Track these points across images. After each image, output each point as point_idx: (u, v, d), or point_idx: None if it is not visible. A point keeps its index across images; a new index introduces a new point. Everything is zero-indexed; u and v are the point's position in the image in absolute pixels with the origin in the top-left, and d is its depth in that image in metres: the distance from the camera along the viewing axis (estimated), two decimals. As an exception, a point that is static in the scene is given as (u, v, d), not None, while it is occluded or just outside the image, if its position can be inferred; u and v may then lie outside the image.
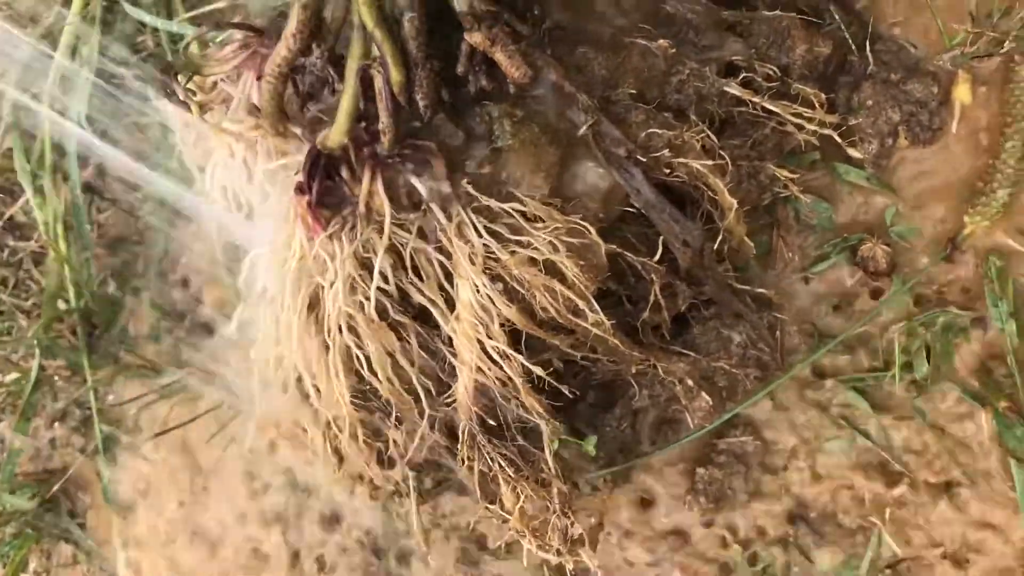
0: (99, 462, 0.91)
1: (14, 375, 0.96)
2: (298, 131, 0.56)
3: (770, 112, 0.60)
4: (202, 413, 0.83)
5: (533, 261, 0.52)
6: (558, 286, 0.53)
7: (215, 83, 0.60)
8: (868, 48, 0.65)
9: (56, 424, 0.96)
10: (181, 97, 0.58)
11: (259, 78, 0.55)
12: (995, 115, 0.63)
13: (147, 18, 0.92)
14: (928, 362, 0.62)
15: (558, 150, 0.54)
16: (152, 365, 0.90)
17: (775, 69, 0.61)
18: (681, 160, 0.56)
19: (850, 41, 0.64)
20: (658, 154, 0.55)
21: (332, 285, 0.53)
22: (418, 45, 0.51)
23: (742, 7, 0.64)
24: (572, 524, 0.57)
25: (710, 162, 0.56)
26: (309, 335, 0.55)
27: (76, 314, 0.92)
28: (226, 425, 0.82)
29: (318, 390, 0.56)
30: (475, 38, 0.50)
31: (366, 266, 0.53)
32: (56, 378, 0.95)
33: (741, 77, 0.60)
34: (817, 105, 0.61)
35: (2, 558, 0.92)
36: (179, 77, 0.58)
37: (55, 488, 0.93)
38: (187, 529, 0.87)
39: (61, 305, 0.94)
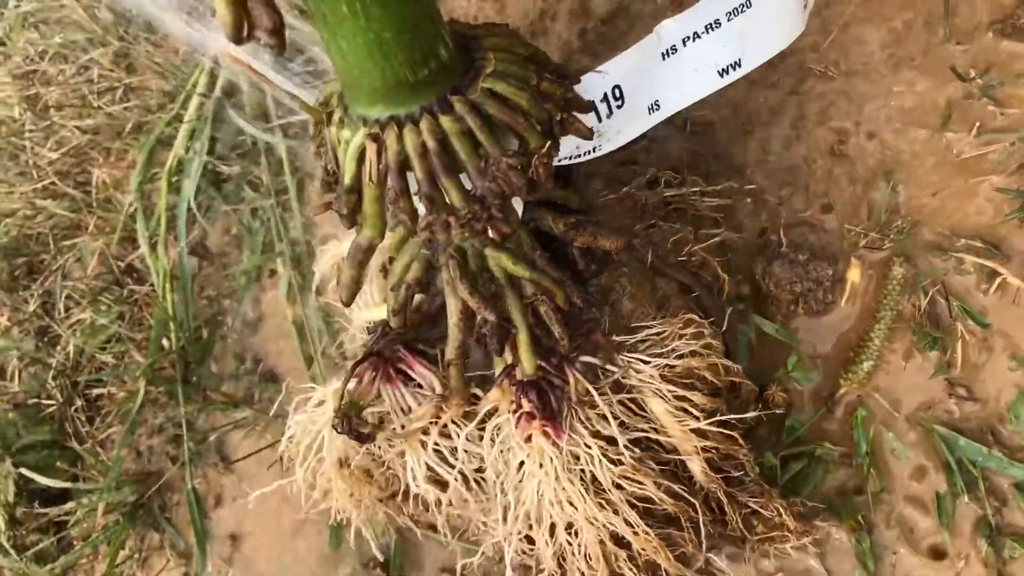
0: (186, 472, 1.15)
1: (124, 393, 1.21)
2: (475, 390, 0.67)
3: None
4: (263, 448, 1.07)
5: (694, 353, 0.66)
6: (713, 359, 0.67)
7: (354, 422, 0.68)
8: (782, 233, 0.83)
9: (155, 436, 1.21)
10: (367, 431, 0.67)
11: (448, 365, 0.64)
12: (872, 300, 0.80)
13: (247, 125, 1.14)
14: (807, 482, 0.81)
15: (648, 281, 0.70)
16: (231, 400, 1.13)
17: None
18: (688, 249, 0.74)
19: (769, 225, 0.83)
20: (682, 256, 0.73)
21: (599, 462, 0.62)
22: (552, 269, 0.64)
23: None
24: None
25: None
26: (601, 507, 0.64)
27: (174, 353, 1.17)
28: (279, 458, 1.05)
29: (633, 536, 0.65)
30: (583, 241, 0.65)
31: (597, 435, 0.63)
32: (157, 400, 1.19)
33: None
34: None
35: (106, 539, 1.17)
36: (351, 420, 0.67)
37: (151, 490, 1.17)
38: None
39: (164, 343, 1.18)
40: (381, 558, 0.94)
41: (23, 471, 1.19)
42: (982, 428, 0.76)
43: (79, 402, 1.26)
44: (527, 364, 0.62)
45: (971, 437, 0.76)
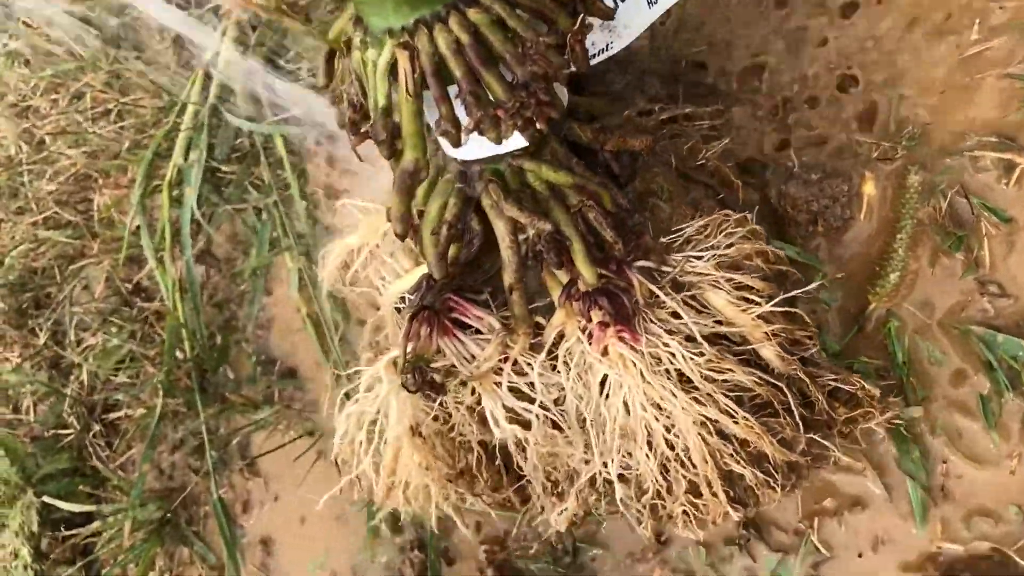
0: (211, 481, 1.13)
1: (141, 411, 1.20)
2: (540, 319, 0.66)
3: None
4: (287, 442, 1.05)
5: (745, 238, 0.66)
6: (760, 244, 0.67)
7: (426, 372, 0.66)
8: (793, 154, 0.82)
9: (177, 451, 1.19)
10: (440, 380, 0.65)
11: (511, 291, 0.63)
12: (891, 212, 0.79)
13: (244, 124, 1.14)
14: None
15: (680, 184, 0.70)
16: (250, 402, 1.12)
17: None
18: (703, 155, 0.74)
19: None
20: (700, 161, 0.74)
21: (686, 360, 0.61)
22: (591, 175, 0.64)
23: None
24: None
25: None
26: (698, 401, 0.62)
27: (190, 362, 1.15)
28: (306, 451, 1.04)
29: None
30: (613, 144, 0.65)
31: (672, 333, 0.62)
32: (176, 413, 1.18)
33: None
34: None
35: (135, 558, 1.15)
36: (422, 371, 0.65)
37: (176, 503, 1.15)
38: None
39: (178, 354, 1.17)
40: (469, 534, 0.90)
41: (46, 499, 1.16)
42: (1018, 322, 0.74)
43: (96, 427, 1.24)
44: (588, 274, 0.60)
45: (1009, 333, 0.74)
